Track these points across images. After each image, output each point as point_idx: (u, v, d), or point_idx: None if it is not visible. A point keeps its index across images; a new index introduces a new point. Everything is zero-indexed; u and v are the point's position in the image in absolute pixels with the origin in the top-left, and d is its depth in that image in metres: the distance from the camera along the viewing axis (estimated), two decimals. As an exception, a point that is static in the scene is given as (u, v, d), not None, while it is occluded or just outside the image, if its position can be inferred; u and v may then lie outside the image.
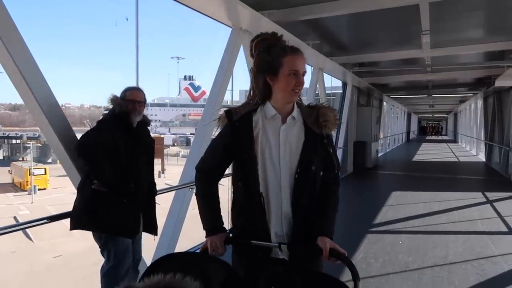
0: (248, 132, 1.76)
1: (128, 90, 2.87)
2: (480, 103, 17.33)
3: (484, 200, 7.81)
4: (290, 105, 1.79)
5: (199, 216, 1.82)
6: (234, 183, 1.85)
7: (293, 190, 1.74)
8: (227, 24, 5.06)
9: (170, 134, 71.83)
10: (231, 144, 1.78)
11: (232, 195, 1.89)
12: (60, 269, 15.48)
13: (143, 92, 2.89)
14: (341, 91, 11.87)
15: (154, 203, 2.97)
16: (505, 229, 5.72)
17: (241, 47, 5.17)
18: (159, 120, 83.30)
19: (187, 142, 62.99)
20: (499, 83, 10.46)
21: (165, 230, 3.94)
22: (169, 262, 1.52)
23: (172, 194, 4.15)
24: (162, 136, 52.04)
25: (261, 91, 1.78)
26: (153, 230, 2.95)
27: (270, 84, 1.75)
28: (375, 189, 9.73)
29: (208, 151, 1.90)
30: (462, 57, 9.20)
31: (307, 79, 2.10)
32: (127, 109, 2.76)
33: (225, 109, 1.86)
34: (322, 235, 1.68)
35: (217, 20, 5.00)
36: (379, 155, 15.40)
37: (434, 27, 5.93)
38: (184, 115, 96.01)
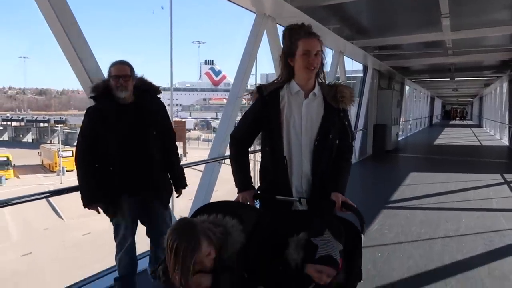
0: (275, 105, 2.07)
1: (112, 65, 2.65)
2: (505, 86, 17.04)
3: (502, 181, 7.95)
4: (311, 83, 2.09)
5: (232, 176, 2.15)
6: (262, 149, 2.17)
7: (313, 155, 2.06)
8: (252, 10, 5.34)
9: (191, 118, 72.64)
10: (261, 115, 2.10)
11: (261, 159, 2.20)
12: (89, 245, 16.36)
13: (128, 65, 2.63)
14: (362, 75, 11.99)
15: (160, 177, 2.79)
16: (519, 207, 5.92)
17: (265, 32, 5.45)
18: (180, 105, 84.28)
19: (207, 126, 63.66)
20: (523, 65, 10.40)
21: (196, 201, 4.35)
22: (210, 208, 1.89)
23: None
24: (183, 120, 52.88)
25: (288, 71, 2.09)
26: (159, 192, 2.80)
27: (291, 65, 2.06)
28: (393, 171, 9.93)
29: (241, 121, 2.25)
30: (486, 39, 9.17)
31: (328, 63, 2.40)
32: (113, 86, 2.58)
33: (257, 85, 2.17)
34: (336, 191, 2.01)
35: (241, 6, 5.29)
36: (400, 138, 15.46)
37: (454, 10, 6.04)
38: (204, 99, 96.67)
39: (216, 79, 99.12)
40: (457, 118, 51.10)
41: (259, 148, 2.31)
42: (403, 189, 7.16)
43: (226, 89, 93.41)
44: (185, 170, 3.08)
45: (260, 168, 2.21)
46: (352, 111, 10.25)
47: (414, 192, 6.81)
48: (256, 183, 2.25)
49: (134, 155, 2.61)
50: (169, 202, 2.90)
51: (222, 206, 1.91)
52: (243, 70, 5.01)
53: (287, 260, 1.65)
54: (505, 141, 16.19)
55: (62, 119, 58.55)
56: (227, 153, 5.08)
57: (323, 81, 2.14)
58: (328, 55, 2.21)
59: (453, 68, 13.69)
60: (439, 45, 9.32)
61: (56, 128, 51.61)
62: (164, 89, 3.11)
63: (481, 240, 4.36)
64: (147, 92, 2.73)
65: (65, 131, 49.96)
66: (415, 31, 8.08)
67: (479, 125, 31.51)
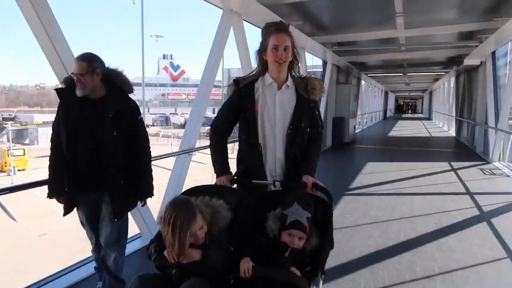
0: (250, 96, 2.25)
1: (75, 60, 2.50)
2: (452, 81, 18.23)
3: (449, 168, 8.63)
4: (283, 75, 2.26)
5: (212, 163, 2.33)
6: (239, 137, 2.35)
7: (286, 142, 2.25)
8: (219, 6, 5.49)
9: (150, 114, 71.13)
10: (237, 105, 2.28)
11: (238, 146, 2.38)
12: (46, 246, 15.80)
13: (86, 60, 2.44)
14: (321, 69, 12.42)
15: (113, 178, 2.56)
16: (463, 190, 6.51)
17: (231, 28, 5.62)
18: (138, 100, 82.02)
19: (167, 122, 62.57)
20: (467, 61, 11.23)
21: (168, 192, 4.48)
22: (195, 191, 2.08)
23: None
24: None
25: (262, 65, 2.27)
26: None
27: (265, 59, 2.24)
28: (351, 161, 10.45)
29: (220, 112, 2.41)
30: (435, 37, 9.85)
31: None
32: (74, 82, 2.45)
33: (234, 78, 2.35)
34: (306, 173, 2.21)
35: (209, 2, 5.42)
36: (357, 131, 16.17)
37: (407, 9, 6.51)
38: (163, 94, 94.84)
39: (175, 74, 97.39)
40: (409, 112, 53.43)
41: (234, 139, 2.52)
42: (362, 177, 7.61)
43: (185, 84, 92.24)
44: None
45: (237, 154, 2.39)
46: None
47: (372, 180, 7.27)
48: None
49: (85, 153, 2.49)
50: (123, 215, 2.64)
51: (207, 189, 2.11)
52: (211, 65, 5.15)
53: (267, 232, 1.90)
54: (452, 133, 17.36)
55: (11, 116, 55.48)
56: (198, 145, 5.23)
57: (296, 74, 2.31)
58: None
59: (405, 64, 14.50)
60: (393, 42, 9.89)
61: (5, 126, 48.87)
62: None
63: (432, 219, 4.82)
64: (119, 89, 2.55)
65: (15, 129, 47.44)
66: (371, 28, 8.55)
67: (429, 118, 33.32)
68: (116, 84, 2.54)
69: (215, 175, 2.36)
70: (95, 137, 2.48)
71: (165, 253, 1.76)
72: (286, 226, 1.86)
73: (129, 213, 4.01)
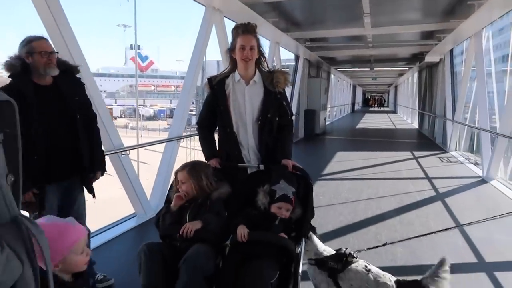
0: (222, 92, 2.51)
1: (34, 40, 2.37)
2: (415, 76, 19.27)
3: (411, 157, 9.41)
4: (251, 71, 2.52)
5: (202, 152, 2.62)
6: (218, 127, 2.63)
7: (257, 131, 2.52)
8: (202, 3, 5.84)
9: (117, 105, 69.68)
10: (213, 101, 2.55)
11: (218, 135, 2.66)
12: None
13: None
14: (294, 63, 12.95)
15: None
16: (423, 175, 7.24)
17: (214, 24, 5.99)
18: (105, 91, 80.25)
19: (135, 114, 61.46)
20: (428, 58, 12.09)
21: (159, 176, 4.86)
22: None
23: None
24: (109, 107, 50.68)
25: (232, 63, 2.52)
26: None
27: (234, 57, 2.49)
28: (323, 150, 11.09)
29: (201, 110, 2.72)
30: (400, 35, 10.57)
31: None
32: (40, 64, 2.35)
33: (208, 77, 2.61)
34: (284, 157, 2.48)
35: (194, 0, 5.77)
36: (327, 123, 16.88)
37: (374, 10, 7.08)
38: (131, 85, 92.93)
39: (143, 64, 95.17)
40: (375, 106, 54.95)
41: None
42: (332, 165, 8.22)
43: (153, 75, 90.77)
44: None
45: (218, 142, 2.66)
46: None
47: (341, 167, 7.88)
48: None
49: (62, 141, 2.47)
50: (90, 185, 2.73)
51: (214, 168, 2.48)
52: (195, 60, 5.51)
53: (258, 205, 2.21)
54: (415, 125, 18.42)
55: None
56: (185, 133, 5.60)
57: (265, 68, 2.56)
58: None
59: (372, 59, 15.25)
60: (361, 39, 10.52)
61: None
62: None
63: (394, 200, 5.44)
64: (66, 72, 2.51)
65: None
66: (341, 26, 9.13)
67: (394, 111, 34.73)
68: (61, 68, 2.47)
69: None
70: (66, 124, 2.48)
71: (174, 196, 2.19)
72: (275, 199, 2.16)
73: (125, 194, 4.40)
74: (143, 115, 54.65)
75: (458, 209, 4.98)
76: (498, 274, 3.19)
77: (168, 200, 2.32)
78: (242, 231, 2.02)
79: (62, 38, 3.30)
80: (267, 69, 2.57)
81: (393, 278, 2.28)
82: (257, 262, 1.95)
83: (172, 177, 2.35)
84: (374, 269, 2.33)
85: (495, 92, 8.67)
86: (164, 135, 5.47)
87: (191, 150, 12.30)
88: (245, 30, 2.43)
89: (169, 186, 2.50)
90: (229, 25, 6.48)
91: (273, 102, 2.51)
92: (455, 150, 10.37)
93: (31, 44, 2.33)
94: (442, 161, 8.89)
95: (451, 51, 11.16)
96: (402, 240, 3.83)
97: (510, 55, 9.04)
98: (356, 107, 39.64)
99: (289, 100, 2.80)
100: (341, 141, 13.66)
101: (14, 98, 1.42)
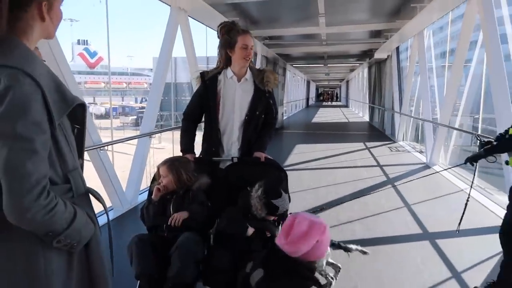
0: (214, 88, 2.58)
1: None
2: (365, 71, 20.32)
3: (364, 147, 10.13)
4: (244, 69, 2.60)
5: (180, 144, 2.69)
6: (205, 121, 2.69)
7: (242, 126, 2.60)
8: (167, 3, 6.05)
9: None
10: (203, 95, 2.61)
11: (204, 128, 2.72)
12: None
13: None
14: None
15: None
16: (375, 163, 7.91)
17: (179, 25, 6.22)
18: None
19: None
20: (377, 55, 12.93)
21: (133, 169, 5.06)
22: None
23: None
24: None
25: (225, 60, 2.58)
26: None
27: (230, 55, 2.57)
28: (283, 144, 11.57)
29: (190, 102, 2.73)
30: (351, 34, 11.26)
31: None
32: None
33: (200, 71, 2.66)
34: (258, 150, 2.61)
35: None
36: (284, 118, 17.46)
37: (328, 10, 7.60)
38: (79, 83, 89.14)
39: (92, 61, 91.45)
40: (329, 100, 56.57)
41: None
42: (293, 156, 8.72)
43: (104, 72, 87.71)
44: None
45: (202, 135, 2.74)
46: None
47: (301, 158, 8.40)
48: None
49: None
50: None
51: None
52: (164, 58, 5.73)
53: (255, 214, 2.28)
54: (366, 118, 19.48)
55: None
56: (120, 136, 5.76)
57: (253, 66, 2.68)
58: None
59: (326, 56, 15.97)
60: (316, 37, 11.10)
61: None
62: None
63: (351, 185, 6.00)
64: None
65: None
66: (298, 25, 9.62)
67: (347, 106, 36.20)
68: None
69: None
70: None
71: (155, 188, 2.34)
72: (278, 215, 2.33)
73: (102, 186, 4.59)
74: (94, 114, 52.95)
75: (406, 191, 5.60)
76: (438, 242, 3.76)
77: (151, 193, 2.44)
78: (251, 230, 2.25)
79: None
80: (256, 68, 2.68)
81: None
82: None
83: (150, 170, 2.60)
84: None
85: (436, 86, 9.54)
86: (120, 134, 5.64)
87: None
88: (245, 30, 2.53)
89: (150, 180, 2.67)
90: (193, 24, 6.74)
91: (262, 100, 2.60)
92: (403, 140, 11.26)
93: None
94: (391, 150, 9.69)
95: (397, 48, 12.05)
96: (359, 219, 4.36)
97: (448, 51, 9.97)
98: (310, 102, 40.80)
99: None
100: (299, 134, 14.27)
101: None
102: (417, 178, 5.40)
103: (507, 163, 2.69)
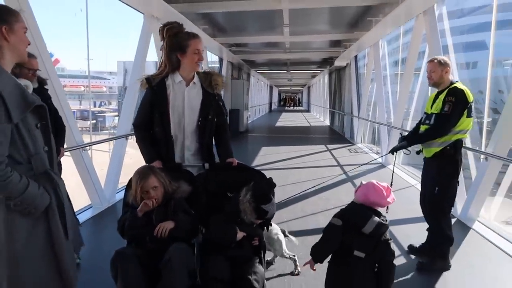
0: (163, 93, 2.48)
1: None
2: (326, 78, 21.23)
3: (325, 149, 10.77)
4: (192, 73, 2.55)
5: (142, 155, 2.57)
6: (153, 128, 2.55)
7: (197, 132, 2.53)
8: (141, 11, 6.33)
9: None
10: (152, 101, 2.50)
11: (154, 137, 2.57)
12: None
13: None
14: (218, 65, 13.72)
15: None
16: (335, 163, 8.52)
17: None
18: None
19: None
20: (337, 63, 13.71)
21: (111, 168, 5.30)
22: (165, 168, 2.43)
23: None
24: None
25: (173, 64, 2.49)
26: None
27: (180, 59, 2.48)
28: (249, 147, 12.01)
29: (138, 110, 2.62)
30: (313, 43, 11.94)
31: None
32: (25, 77, 2.63)
33: (145, 77, 2.54)
34: (229, 157, 2.59)
35: (132, 7, 6.23)
36: (249, 121, 17.94)
37: (292, 21, 8.15)
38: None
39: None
40: (292, 105, 57.51)
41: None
42: (259, 158, 9.16)
43: (61, 74, 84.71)
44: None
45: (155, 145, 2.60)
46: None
47: (268, 160, 8.86)
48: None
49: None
50: None
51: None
52: (138, 63, 6.04)
53: (244, 219, 2.29)
54: (327, 122, 20.34)
55: None
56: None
57: (200, 71, 2.61)
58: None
59: (289, 63, 16.65)
60: (280, 45, 11.68)
61: None
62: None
63: (314, 183, 6.42)
64: (40, 83, 3.03)
65: None
66: (263, 33, 10.14)
67: (308, 110, 37.26)
68: (40, 78, 3.04)
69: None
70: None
71: (143, 203, 2.21)
72: (266, 219, 2.37)
73: (82, 184, 4.81)
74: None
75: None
76: (391, 228, 4.30)
77: (127, 204, 2.33)
78: (240, 234, 2.25)
79: (33, 40, 3.69)
80: (202, 71, 2.61)
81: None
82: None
83: (123, 174, 2.64)
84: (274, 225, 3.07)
85: (390, 92, 10.32)
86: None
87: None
88: (195, 34, 2.47)
89: (124, 188, 2.63)
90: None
91: (212, 104, 2.56)
92: (361, 142, 12.03)
93: None
94: (351, 152, 10.37)
95: (356, 57, 12.86)
96: (322, 211, 4.85)
97: (400, 60, 10.82)
98: (273, 106, 41.59)
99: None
100: (263, 137, 14.77)
101: None
102: (372, 175, 5.94)
103: (417, 152, 3.58)
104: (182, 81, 2.52)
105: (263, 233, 2.44)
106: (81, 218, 4.61)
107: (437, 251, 3.40)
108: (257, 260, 2.29)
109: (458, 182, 3.32)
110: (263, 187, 2.41)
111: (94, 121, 40.90)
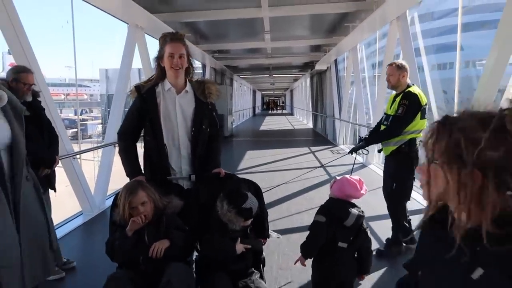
0: (153, 101, 2.36)
1: (21, 72, 2.96)
2: (308, 81, 21.60)
3: (309, 151, 11.05)
4: (181, 81, 2.41)
5: (122, 166, 2.42)
6: (144, 138, 2.45)
7: (191, 142, 2.42)
8: (125, 21, 6.48)
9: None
10: (142, 110, 2.37)
11: (143, 147, 2.48)
12: None
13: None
14: (202, 71, 13.89)
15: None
16: (319, 165, 8.78)
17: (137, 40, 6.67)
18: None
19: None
20: (318, 66, 14.04)
21: (100, 176, 5.43)
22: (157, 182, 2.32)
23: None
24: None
25: (160, 71, 2.41)
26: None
27: (162, 66, 2.38)
28: (234, 151, 12.19)
29: (125, 119, 2.49)
30: (294, 48, 12.26)
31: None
32: (21, 91, 2.89)
33: (134, 85, 2.45)
34: (216, 167, 2.46)
35: (116, 17, 6.38)
36: (233, 126, 18.13)
37: (273, 27, 8.41)
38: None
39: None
40: (277, 109, 57.55)
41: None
42: (245, 161, 9.37)
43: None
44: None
45: (143, 155, 2.50)
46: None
47: (253, 163, 9.07)
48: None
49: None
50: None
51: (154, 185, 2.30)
52: (124, 71, 6.19)
53: (233, 227, 2.18)
54: (310, 125, 20.69)
55: None
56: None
57: (192, 79, 2.50)
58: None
59: (271, 67, 16.95)
60: (261, 50, 11.96)
61: None
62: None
63: (298, 184, 6.76)
64: (33, 95, 3.14)
65: None
66: (245, 40, 10.39)
67: (292, 114, 37.64)
68: (33, 91, 3.14)
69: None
70: (43, 136, 3.17)
71: (131, 221, 2.08)
72: (253, 216, 2.20)
73: (72, 192, 4.89)
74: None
75: (346, 186, 6.45)
76: (370, 223, 4.57)
77: (113, 223, 2.18)
78: (241, 247, 2.16)
79: (22, 49, 3.83)
80: (195, 80, 2.52)
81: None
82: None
83: (113, 184, 2.64)
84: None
85: (369, 94, 10.69)
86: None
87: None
88: (173, 37, 2.35)
89: (114, 195, 2.63)
90: (149, 40, 7.22)
91: (206, 113, 2.45)
92: (343, 143, 12.35)
93: (19, 74, 2.94)
94: (333, 153, 10.67)
95: (336, 60, 13.21)
96: (307, 210, 5.07)
97: (377, 63, 11.21)
98: (257, 110, 41.85)
99: None
100: (248, 141, 14.98)
101: None
102: (354, 175, 6.21)
103: (379, 151, 4.01)
104: (171, 88, 2.40)
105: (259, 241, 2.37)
106: (72, 224, 4.73)
107: (392, 238, 3.77)
108: (259, 275, 2.25)
109: (414, 177, 3.62)
110: (233, 188, 2.31)
111: (75, 130, 40.38)
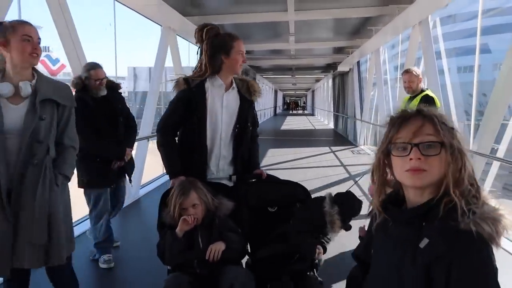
0: (202, 96, 2.24)
1: (91, 68, 3.16)
2: (330, 82, 21.75)
3: (330, 151, 11.30)
4: (231, 77, 2.34)
5: (162, 162, 2.30)
6: (183, 133, 2.35)
7: (234, 140, 2.33)
8: (159, 23, 6.91)
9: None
10: (189, 105, 2.23)
11: (179, 142, 2.37)
12: None
13: (102, 67, 3.25)
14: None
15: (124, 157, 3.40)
16: (339, 164, 9.04)
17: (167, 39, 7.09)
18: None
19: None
20: (340, 68, 14.21)
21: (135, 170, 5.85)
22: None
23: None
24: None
25: (215, 66, 2.26)
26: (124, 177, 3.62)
27: (223, 61, 2.26)
28: (256, 149, 12.55)
29: (167, 113, 2.34)
30: (317, 49, 12.49)
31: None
32: (93, 87, 3.15)
33: (183, 77, 2.32)
34: (256, 168, 2.45)
35: (151, 20, 6.81)
36: (255, 125, 18.44)
37: (298, 30, 8.70)
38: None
39: (54, 68, 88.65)
40: (298, 109, 57.30)
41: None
42: (267, 158, 9.69)
43: (67, 79, 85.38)
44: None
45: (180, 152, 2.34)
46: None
47: (275, 160, 9.38)
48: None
49: (110, 139, 3.22)
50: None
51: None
52: (158, 70, 6.64)
53: (325, 232, 2.04)
54: (331, 125, 20.82)
55: None
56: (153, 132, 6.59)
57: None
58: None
59: (294, 68, 17.19)
60: (285, 52, 12.24)
61: None
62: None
63: (319, 181, 7.02)
64: (112, 88, 3.33)
65: None
66: (269, 41, 10.70)
67: (313, 114, 37.72)
68: (109, 85, 3.32)
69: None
70: (113, 125, 3.28)
71: (181, 220, 1.98)
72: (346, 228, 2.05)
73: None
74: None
75: (365, 185, 6.69)
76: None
77: (163, 225, 2.10)
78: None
79: (73, 45, 4.28)
80: (237, 77, 2.44)
81: None
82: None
83: (149, 174, 2.89)
84: None
85: (391, 96, 10.84)
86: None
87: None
88: (237, 35, 2.33)
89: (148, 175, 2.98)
90: (180, 41, 7.63)
91: (249, 110, 2.39)
92: (364, 144, 12.53)
93: (89, 72, 3.16)
94: (354, 153, 10.89)
95: (358, 62, 13.38)
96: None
97: (399, 66, 11.34)
98: (278, 110, 42.07)
99: None
100: (269, 140, 15.27)
101: (79, 105, 2.52)
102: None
103: None
104: (222, 84, 2.30)
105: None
106: (81, 228, 4.92)
107: None
108: (317, 281, 2.11)
109: None
110: (350, 198, 2.15)
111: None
